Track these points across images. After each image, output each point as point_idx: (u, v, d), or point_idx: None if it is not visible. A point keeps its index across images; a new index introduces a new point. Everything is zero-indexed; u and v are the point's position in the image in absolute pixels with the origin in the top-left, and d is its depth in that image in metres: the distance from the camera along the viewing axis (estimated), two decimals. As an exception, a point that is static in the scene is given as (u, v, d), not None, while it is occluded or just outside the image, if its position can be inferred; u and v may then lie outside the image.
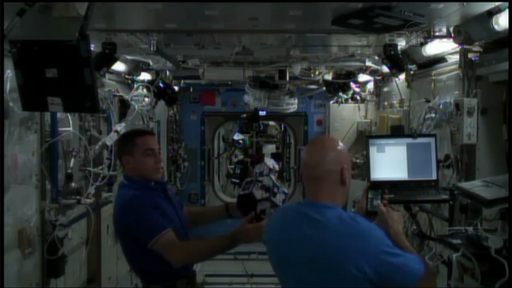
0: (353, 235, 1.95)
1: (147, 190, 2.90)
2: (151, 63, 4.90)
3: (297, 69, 5.02)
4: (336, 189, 2.09)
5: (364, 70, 5.48)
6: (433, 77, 4.04)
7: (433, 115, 3.88)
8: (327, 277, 1.96)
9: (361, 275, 1.91)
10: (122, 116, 4.93)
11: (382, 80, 5.87)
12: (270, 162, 3.25)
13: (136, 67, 5.24)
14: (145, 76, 5.48)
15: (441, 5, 2.67)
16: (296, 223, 2.09)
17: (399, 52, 3.72)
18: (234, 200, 3.15)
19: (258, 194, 2.93)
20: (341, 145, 2.17)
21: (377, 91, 6.13)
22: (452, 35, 3.20)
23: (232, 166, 10.77)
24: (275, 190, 2.98)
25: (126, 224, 2.84)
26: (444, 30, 3.23)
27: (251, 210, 2.89)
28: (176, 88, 6.60)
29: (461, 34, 3.14)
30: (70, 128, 3.69)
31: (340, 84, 5.97)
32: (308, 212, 2.06)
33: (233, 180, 3.63)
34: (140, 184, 2.91)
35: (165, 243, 2.72)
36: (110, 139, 4.19)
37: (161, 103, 6.05)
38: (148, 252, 2.74)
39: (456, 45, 3.37)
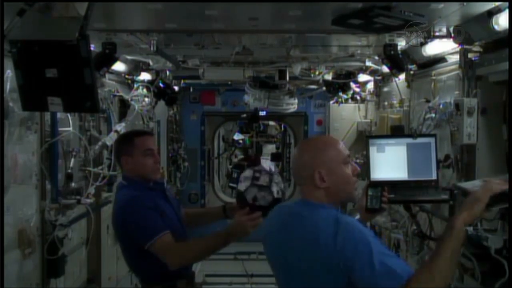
0: (341, 236, 1.87)
1: (146, 191, 2.90)
2: (151, 63, 4.90)
3: (297, 69, 5.01)
4: (315, 190, 2.04)
5: (364, 70, 5.48)
6: (433, 77, 4.03)
7: (433, 115, 3.87)
8: (316, 277, 1.92)
9: (346, 274, 1.86)
10: (122, 116, 4.94)
11: (382, 80, 5.86)
12: (266, 165, 3.24)
13: (136, 67, 5.24)
14: (145, 76, 5.48)
15: (441, 5, 2.67)
16: (288, 222, 2.07)
17: (399, 52, 3.72)
18: (234, 200, 3.13)
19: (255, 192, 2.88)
20: (321, 147, 2.07)
21: (377, 91, 6.11)
22: (452, 35, 3.20)
23: (232, 166, 10.76)
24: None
25: (125, 225, 2.83)
26: (444, 30, 3.23)
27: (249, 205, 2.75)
28: (176, 88, 6.60)
29: (461, 34, 3.14)
30: (70, 128, 3.69)
31: (340, 84, 5.97)
32: (300, 211, 2.05)
33: (231, 184, 3.57)
34: (139, 184, 2.91)
35: (162, 245, 2.71)
36: (110, 139, 4.19)
37: (161, 103, 6.05)
38: (147, 253, 2.73)
39: (456, 45, 3.36)
